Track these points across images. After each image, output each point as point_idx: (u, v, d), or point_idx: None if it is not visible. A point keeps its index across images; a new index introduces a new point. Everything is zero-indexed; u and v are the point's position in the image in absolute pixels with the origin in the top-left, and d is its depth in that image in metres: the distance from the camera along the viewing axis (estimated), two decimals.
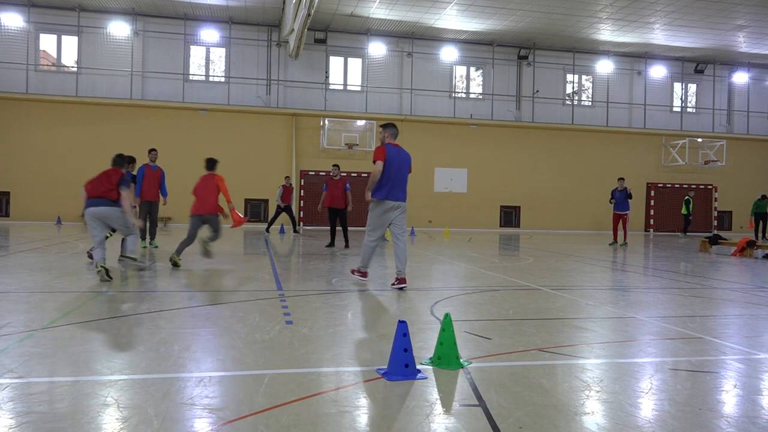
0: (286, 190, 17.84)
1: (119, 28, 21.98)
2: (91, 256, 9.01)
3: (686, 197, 22.82)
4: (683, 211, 22.69)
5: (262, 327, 4.87)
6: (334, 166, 13.73)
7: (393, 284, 7.21)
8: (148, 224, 12.04)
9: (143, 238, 11.86)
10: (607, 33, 23.27)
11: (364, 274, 7.70)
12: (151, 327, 4.79)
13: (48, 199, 21.27)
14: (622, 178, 17.22)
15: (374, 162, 7.18)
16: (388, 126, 7.48)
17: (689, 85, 27.34)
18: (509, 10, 20.82)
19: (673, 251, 15.22)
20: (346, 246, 13.28)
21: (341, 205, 13.17)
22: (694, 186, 26.46)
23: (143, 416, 2.84)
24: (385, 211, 7.28)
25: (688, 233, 23.34)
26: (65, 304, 5.69)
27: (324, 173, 22.83)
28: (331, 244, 13.51)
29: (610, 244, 16.79)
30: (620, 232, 17.14)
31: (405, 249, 7.30)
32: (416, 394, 3.28)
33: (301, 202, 23.15)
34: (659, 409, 3.15)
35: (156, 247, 12.21)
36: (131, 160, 9.77)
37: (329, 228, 13.77)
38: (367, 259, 7.60)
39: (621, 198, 16.69)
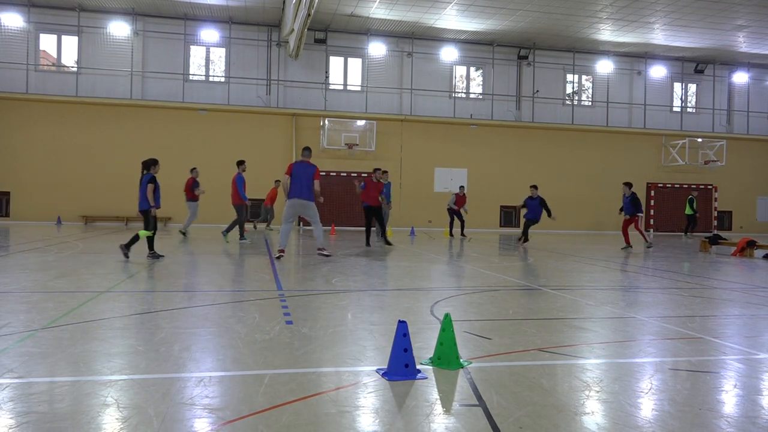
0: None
1: (119, 28, 21.97)
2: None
3: (689, 196, 22.25)
4: (687, 211, 22.06)
5: (262, 327, 4.86)
6: (376, 170, 14.49)
7: (318, 252, 10.74)
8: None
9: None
10: (607, 33, 23.27)
11: (281, 251, 10.42)
12: (151, 327, 4.79)
13: (48, 199, 21.27)
14: (627, 183, 16.02)
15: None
16: (303, 149, 10.87)
17: (689, 85, 27.33)
18: (509, 10, 20.82)
19: (673, 251, 15.22)
20: (378, 239, 14.13)
21: (377, 203, 14.12)
22: (694, 186, 26.46)
23: (143, 416, 2.84)
24: (290, 205, 10.39)
25: (693, 233, 22.56)
26: (65, 304, 5.69)
27: (324, 173, 22.84)
28: (368, 244, 13.93)
29: (622, 248, 15.35)
30: (638, 236, 16.45)
31: (319, 231, 10.77)
32: (416, 394, 3.28)
33: None
34: (659, 409, 3.15)
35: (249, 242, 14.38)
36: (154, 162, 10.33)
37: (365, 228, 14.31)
38: (283, 241, 10.52)
39: (627, 203, 15.75)
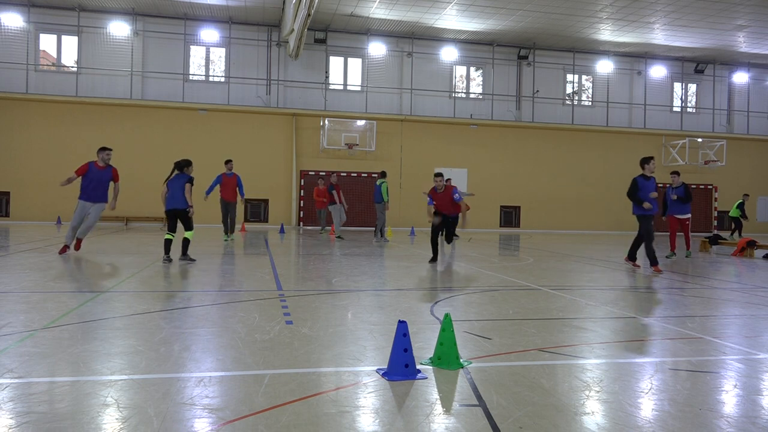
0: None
1: (119, 28, 21.97)
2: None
3: (740, 200, 20.75)
4: (737, 214, 20.50)
5: (262, 327, 4.86)
6: (438, 176, 10.60)
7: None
8: (229, 219, 14.72)
9: (226, 232, 14.75)
10: (607, 33, 23.27)
11: (77, 244, 10.80)
12: (151, 327, 4.79)
13: (48, 199, 21.26)
14: (675, 173, 13.46)
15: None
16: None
17: (689, 85, 27.33)
18: (509, 10, 20.82)
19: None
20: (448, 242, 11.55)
21: (450, 211, 10.92)
22: (695, 186, 26.44)
23: (143, 416, 2.84)
24: (82, 207, 10.49)
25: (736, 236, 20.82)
26: (65, 304, 5.69)
27: (324, 173, 22.84)
28: (434, 259, 10.78)
29: (667, 257, 12.74)
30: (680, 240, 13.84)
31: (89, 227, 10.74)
32: (416, 394, 3.28)
33: (301, 202, 23.14)
34: (659, 409, 3.15)
35: (232, 239, 14.66)
36: (187, 164, 10.23)
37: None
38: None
39: (680, 194, 12.89)
